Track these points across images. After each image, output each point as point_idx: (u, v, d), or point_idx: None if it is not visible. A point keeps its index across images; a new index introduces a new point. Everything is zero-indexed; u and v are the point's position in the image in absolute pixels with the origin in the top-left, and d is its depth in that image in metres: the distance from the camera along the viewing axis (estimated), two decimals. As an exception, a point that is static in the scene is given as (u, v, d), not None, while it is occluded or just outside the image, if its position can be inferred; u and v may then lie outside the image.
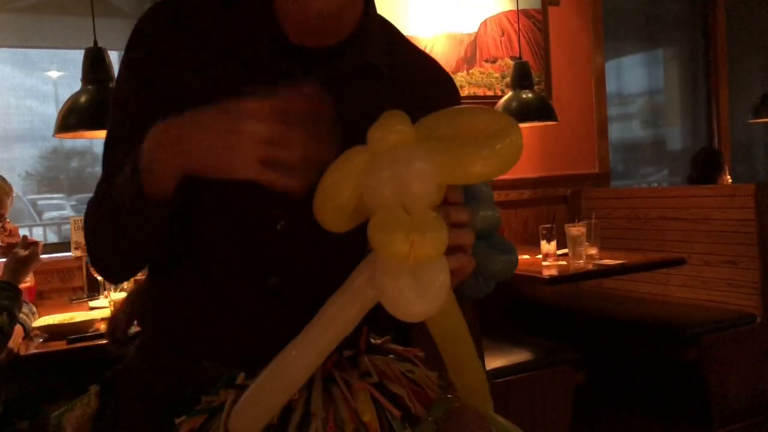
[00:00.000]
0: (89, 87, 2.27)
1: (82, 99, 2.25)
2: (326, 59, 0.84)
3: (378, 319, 0.77)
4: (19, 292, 1.90)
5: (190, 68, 0.81)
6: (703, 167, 3.69)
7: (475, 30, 3.51)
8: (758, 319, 2.86)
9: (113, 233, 0.82)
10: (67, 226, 3.06)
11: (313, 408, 0.80)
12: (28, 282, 2.29)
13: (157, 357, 0.92)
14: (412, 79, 0.91)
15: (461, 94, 3.54)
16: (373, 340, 0.95)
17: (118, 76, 0.88)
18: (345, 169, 0.69)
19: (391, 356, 0.93)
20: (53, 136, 2.39)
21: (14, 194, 2.29)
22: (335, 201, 0.69)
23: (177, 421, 0.83)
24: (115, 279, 1.06)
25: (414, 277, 0.64)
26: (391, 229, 0.63)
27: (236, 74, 0.81)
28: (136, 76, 0.84)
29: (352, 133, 0.69)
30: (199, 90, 0.78)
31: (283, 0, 0.82)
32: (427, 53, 1.00)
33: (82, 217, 2.76)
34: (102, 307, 2.30)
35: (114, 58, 2.71)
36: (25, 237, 2.05)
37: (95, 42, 2.31)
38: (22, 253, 1.97)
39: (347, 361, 0.87)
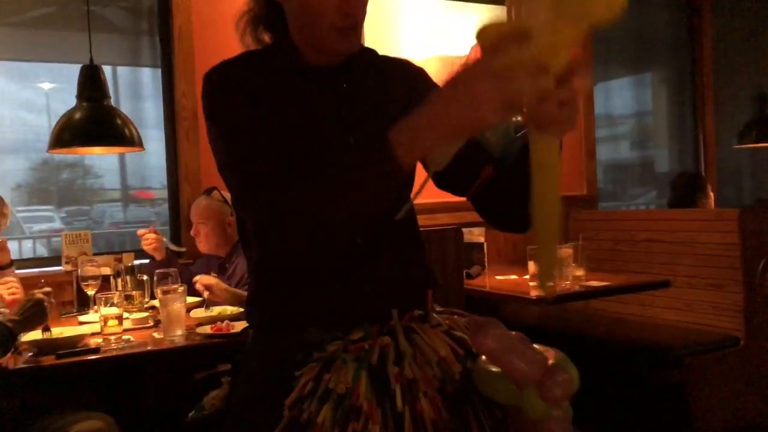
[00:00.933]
0: (84, 104, 2.29)
1: (77, 115, 2.27)
2: (338, 71, 1.15)
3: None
4: (13, 336, 1.84)
5: (259, 94, 1.09)
6: (683, 191, 3.73)
7: (466, 53, 3.54)
8: (742, 342, 2.89)
9: (343, 204, 0.96)
10: (57, 239, 3.07)
11: (402, 347, 1.05)
12: (17, 294, 2.29)
13: (268, 332, 1.15)
14: (394, 74, 1.22)
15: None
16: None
17: (221, 110, 1.10)
18: None
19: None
20: (47, 151, 2.41)
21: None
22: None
23: (297, 373, 1.04)
24: (300, 261, 1.10)
25: None
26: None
27: (285, 91, 1.12)
28: (239, 105, 1.08)
29: (365, 115, 1.13)
30: (274, 104, 1.09)
31: (307, 40, 1.12)
32: (395, 57, 1.28)
33: (73, 231, 2.78)
34: (92, 321, 2.31)
35: (108, 73, 2.74)
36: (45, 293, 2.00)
37: (91, 60, 2.34)
38: (38, 296, 1.92)
39: (418, 318, 1.12)
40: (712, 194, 3.79)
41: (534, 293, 2.66)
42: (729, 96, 4.83)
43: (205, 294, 2.41)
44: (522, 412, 0.96)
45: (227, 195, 2.68)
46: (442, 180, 1.21)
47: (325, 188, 0.96)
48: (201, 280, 2.39)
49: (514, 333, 0.98)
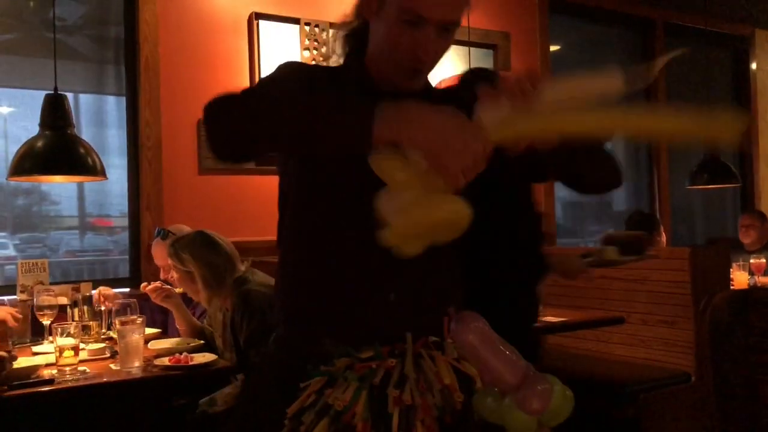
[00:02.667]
0: (47, 132, 2.28)
1: (39, 144, 2.26)
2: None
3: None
4: None
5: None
6: (636, 229, 3.84)
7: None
8: (693, 378, 2.96)
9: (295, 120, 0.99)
10: (10, 267, 3.00)
11: (406, 370, 1.07)
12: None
13: (285, 341, 1.19)
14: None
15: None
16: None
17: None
18: None
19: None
20: (6, 179, 2.38)
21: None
22: None
23: (302, 384, 1.07)
24: (234, 155, 1.13)
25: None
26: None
27: None
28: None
29: None
30: None
31: (380, 64, 1.16)
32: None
33: (29, 259, 2.73)
34: (46, 352, 2.26)
35: (71, 100, 2.72)
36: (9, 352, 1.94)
37: (56, 88, 2.33)
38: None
39: (433, 345, 1.14)
40: (664, 234, 3.90)
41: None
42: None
43: (156, 295, 2.39)
44: None
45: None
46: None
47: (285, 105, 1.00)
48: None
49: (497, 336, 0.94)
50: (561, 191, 4.47)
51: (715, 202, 5.36)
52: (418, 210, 0.88)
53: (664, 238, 3.89)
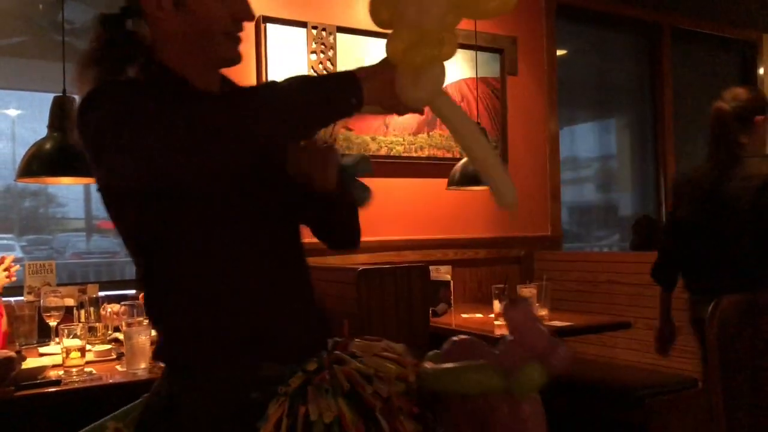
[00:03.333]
0: (55, 134, 2.29)
1: (47, 146, 2.26)
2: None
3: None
4: None
5: None
6: (643, 234, 3.83)
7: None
8: (699, 384, 2.95)
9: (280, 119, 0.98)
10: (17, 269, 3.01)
11: (363, 370, 1.11)
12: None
13: (213, 373, 1.09)
14: None
15: (422, 155, 3.68)
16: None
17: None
18: None
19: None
20: (15, 180, 2.40)
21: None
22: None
23: (269, 413, 1.02)
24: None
25: (413, 76, 1.02)
26: (395, 36, 1.02)
27: None
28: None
29: None
30: None
31: (193, 61, 1.16)
32: None
33: (37, 261, 2.74)
34: (53, 353, 2.27)
35: (80, 104, 2.73)
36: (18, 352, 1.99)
37: (64, 90, 2.34)
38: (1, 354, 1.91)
39: (346, 345, 1.19)
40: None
41: (498, 332, 2.70)
42: (689, 143, 4.99)
43: None
44: (479, 401, 1.08)
45: None
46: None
47: (262, 104, 0.98)
48: None
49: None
50: (568, 196, 4.47)
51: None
52: None
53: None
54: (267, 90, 1.07)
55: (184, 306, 1.11)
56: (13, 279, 2.49)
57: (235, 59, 1.19)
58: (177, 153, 0.92)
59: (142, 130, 0.92)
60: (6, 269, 2.46)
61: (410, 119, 3.54)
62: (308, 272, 1.25)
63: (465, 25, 3.58)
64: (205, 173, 0.96)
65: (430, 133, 3.62)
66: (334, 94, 1.01)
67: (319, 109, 1.01)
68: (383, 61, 1.05)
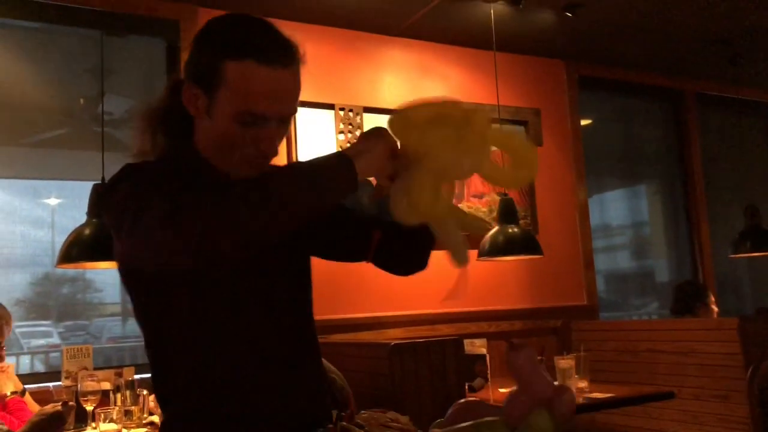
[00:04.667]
0: (93, 221, 2.36)
1: (86, 232, 2.34)
2: None
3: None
4: None
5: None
6: (684, 299, 3.75)
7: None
8: (751, 456, 2.82)
9: (283, 204, 0.98)
10: (54, 355, 3.05)
11: None
12: None
13: None
14: None
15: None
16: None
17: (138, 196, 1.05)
18: None
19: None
20: (55, 266, 2.46)
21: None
22: None
23: None
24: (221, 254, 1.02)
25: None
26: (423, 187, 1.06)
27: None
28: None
29: None
30: None
31: (217, 156, 1.17)
32: None
33: (75, 346, 2.78)
34: (89, 438, 2.27)
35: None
36: (64, 403, 2.04)
37: (103, 179, 2.43)
38: (49, 409, 1.96)
39: (349, 418, 1.23)
40: (714, 303, 3.79)
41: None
42: (721, 207, 4.94)
43: None
44: None
45: None
46: (339, 252, 1.32)
47: (262, 195, 0.97)
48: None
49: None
50: (602, 264, 4.42)
51: (762, 270, 5.22)
52: None
53: (715, 308, 3.78)
54: (265, 183, 1.01)
55: (182, 388, 1.13)
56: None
57: (251, 177, 1.13)
58: (175, 239, 0.93)
59: (147, 218, 0.95)
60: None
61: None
62: (311, 347, 1.24)
63: (487, 98, 3.66)
64: (203, 260, 0.95)
65: (459, 205, 3.64)
66: (327, 182, 1.00)
67: (315, 198, 1.00)
68: (373, 134, 1.07)
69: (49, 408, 1.97)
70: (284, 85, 1.11)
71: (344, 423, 1.19)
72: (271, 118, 1.10)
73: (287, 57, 1.12)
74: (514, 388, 1.11)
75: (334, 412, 1.21)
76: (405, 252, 1.28)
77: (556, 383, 1.12)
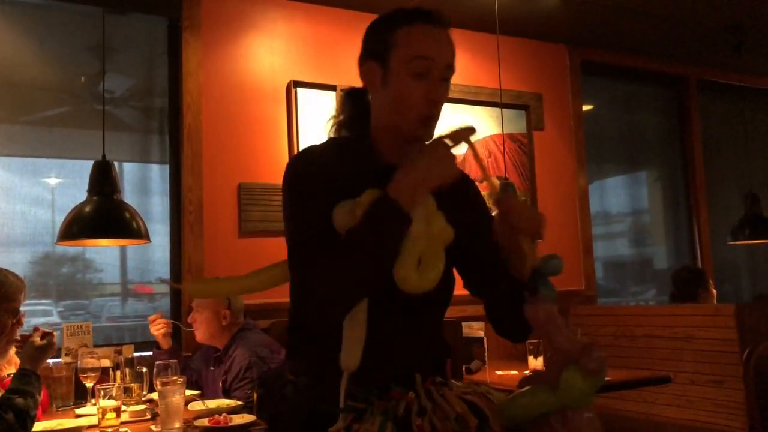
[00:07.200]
0: (94, 198, 2.37)
1: (87, 209, 2.34)
2: None
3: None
4: (38, 377, 1.94)
5: (335, 189, 1.25)
6: (684, 285, 3.76)
7: (464, 151, 3.68)
8: (745, 441, 2.85)
9: (370, 267, 1.17)
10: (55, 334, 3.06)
11: (424, 403, 1.21)
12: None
13: (312, 389, 1.27)
14: (459, 184, 1.37)
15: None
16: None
17: (299, 194, 1.28)
18: None
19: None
20: (56, 243, 2.47)
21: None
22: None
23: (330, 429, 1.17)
24: (333, 320, 1.22)
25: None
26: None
27: (362, 187, 1.24)
28: (314, 196, 1.26)
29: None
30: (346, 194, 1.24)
31: (389, 133, 1.33)
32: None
33: (75, 323, 2.79)
34: (89, 414, 2.29)
35: (117, 170, 2.83)
36: (37, 328, 2.09)
37: (104, 156, 2.44)
38: (39, 341, 2.01)
39: (439, 383, 1.29)
40: (714, 290, 3.80)
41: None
42: (721, 194, 4.94)
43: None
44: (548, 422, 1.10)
45: None
46: (470, 282, 1.46)
47: (345, 265, 1.15)
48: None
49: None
50: (601, 251, 4.43)
51: (760, 258, 5.24)
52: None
53: (714, 294, 3.80)
54: (350, 253, 1.17)
55: (295, 326, 1.35)
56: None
57: (424, 138, 1.31)
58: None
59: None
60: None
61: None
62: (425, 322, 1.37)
63: (490, 82, 3.65)
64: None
65: (459, 190, 3.64)
66: (389, 235, 1.16)
67: (385, 252, 1.16)
68: (407, 171, 1.19)
69: (36, 338, 2.03)
70: (445, 39, 1.32)
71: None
72: (438, 62, 1.28)
73: (444, 20, 1.33)
74: (550, 354, 1.14)
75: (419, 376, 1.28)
76: (509, 316, 1.36)
77: (582, 339, 1.14)
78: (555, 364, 1.10)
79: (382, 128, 1.35)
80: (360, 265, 1.16)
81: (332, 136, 1.45)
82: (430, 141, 1.27)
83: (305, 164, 1.31)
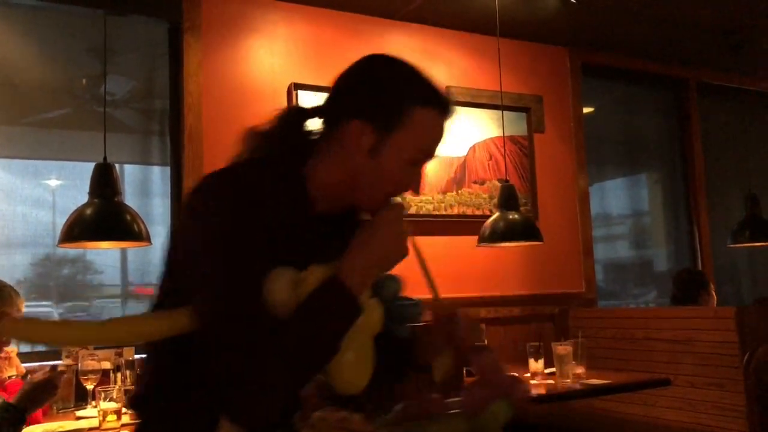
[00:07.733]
0: (95, 200, 2.37)
1: (88, 211, 2.34)
2: (337, 219, 1.23)
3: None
4: (23, 419, 1.88)
5: (271, 241, 1.06)
6: (684, 287, 3.75)
7: (464, 154, 3.69)
8: (746, 444, 2.85)
9: (310, 354, 1.02)
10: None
11: None
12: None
13: None
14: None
15: (451, 212, 3.72)
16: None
17: (230, 246, 1.05)
18: None
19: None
20: (57, 246, 2.47)
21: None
22: None
23: None
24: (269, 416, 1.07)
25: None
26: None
27: (294, 241, 1.11)
28: (252, 249, 1.06)
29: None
30: (275, 244, 1.06)
31: (336, 189, 1.18)
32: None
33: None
34: (89, 416, 2.29)
35: (118, 172, 2.83)
36: (53, 368, 2.06)
37: (105, 158, 2.44)
38: (39, 377, 1.97)
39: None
40: (714, 293, 3.80)
41: (535, 391, 2.65)
42: (721, 196, 4.94)
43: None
44: None
45: None
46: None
47: (283, 354, 0.99)
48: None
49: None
50: (601, 253, 4.43)
51: (761, 260, 5.24)
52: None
53: (714, 297, 3.80)
54: (282, 343, 1.00)
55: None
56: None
57: (372, 211, 1.19)
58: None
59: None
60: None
61: (439, 178, 3.58)
62: None
63: (490, 85, 3.66)
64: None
65: (459, 191, 3.65)
66: (339, 327, 1.04)
67: (333, 346, 1.03)
68: (360, 251, 1.08)
69: (39, 375, 1.99)
70: (444, 131, 1.22)
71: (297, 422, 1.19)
72: (432, 155, 1.22)
73: (451, 109, 1.22)
74: (470, 382, 1.24)
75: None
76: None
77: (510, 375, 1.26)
78: (479, 396, 1.20)
79: (332, 184, 1.18)
80: (303, 359, 1.01)
81: (255, 149, 1.27)
82: (385, 211, 1.13)
83: (238, 202, 1.07)
